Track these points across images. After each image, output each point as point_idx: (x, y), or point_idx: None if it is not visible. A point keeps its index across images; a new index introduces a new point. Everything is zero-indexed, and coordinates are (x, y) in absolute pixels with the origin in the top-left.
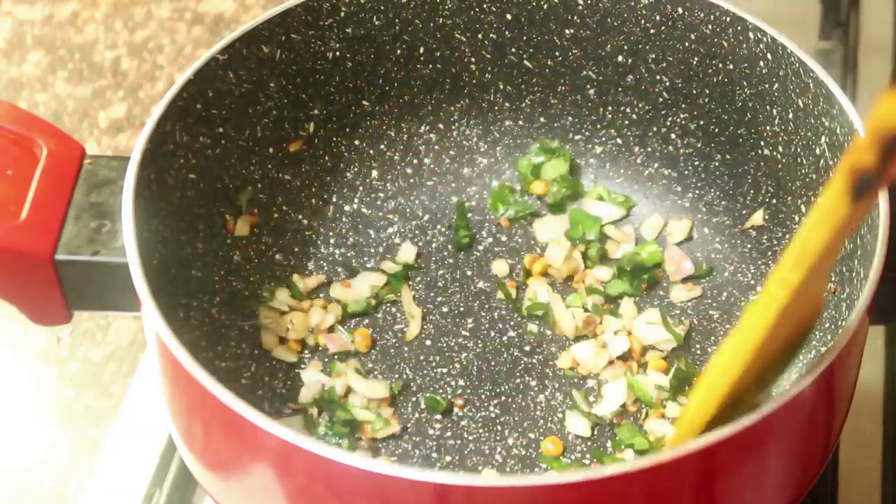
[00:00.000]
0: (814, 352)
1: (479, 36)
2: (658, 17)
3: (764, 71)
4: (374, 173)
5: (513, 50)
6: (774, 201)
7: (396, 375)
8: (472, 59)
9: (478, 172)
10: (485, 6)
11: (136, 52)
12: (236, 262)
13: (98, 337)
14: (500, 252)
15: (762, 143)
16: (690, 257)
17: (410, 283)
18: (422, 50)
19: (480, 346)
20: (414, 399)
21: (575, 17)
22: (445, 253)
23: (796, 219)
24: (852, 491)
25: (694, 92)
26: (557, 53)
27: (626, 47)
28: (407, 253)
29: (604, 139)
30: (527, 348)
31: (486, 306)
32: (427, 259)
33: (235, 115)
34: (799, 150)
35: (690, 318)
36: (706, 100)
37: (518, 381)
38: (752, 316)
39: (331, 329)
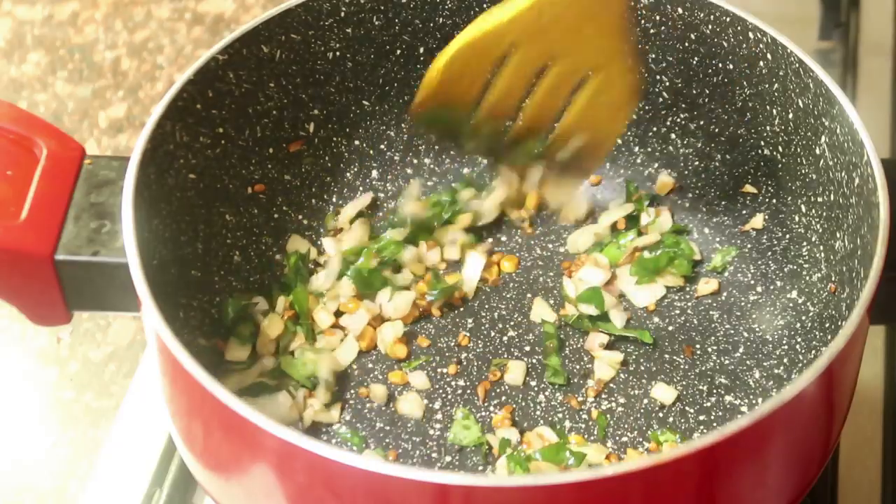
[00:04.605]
0: (814, 352)
1: None
2: (658, 17)
3: (764, 71)
4: (374, 173)
5: None
6: (774, 201)
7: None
8: None
9: (478, 172)
10: (485, 6)
11: (136, 52)
12: (236, 262)
13: (98, 337)
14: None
15: (762, 143)
16: None
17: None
18: (422, 50)
19: (480, 346)
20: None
21: None
22: None
23: (796, 219)
24: (852, 491)
25: (694, 92)
26: None
27: None
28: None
29: None
30: (527, 348)
31: (486, 306)
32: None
33: (235, 115)
34: (799, 150)
35: (690, 318)
36: (706, 100)
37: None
38: None
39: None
